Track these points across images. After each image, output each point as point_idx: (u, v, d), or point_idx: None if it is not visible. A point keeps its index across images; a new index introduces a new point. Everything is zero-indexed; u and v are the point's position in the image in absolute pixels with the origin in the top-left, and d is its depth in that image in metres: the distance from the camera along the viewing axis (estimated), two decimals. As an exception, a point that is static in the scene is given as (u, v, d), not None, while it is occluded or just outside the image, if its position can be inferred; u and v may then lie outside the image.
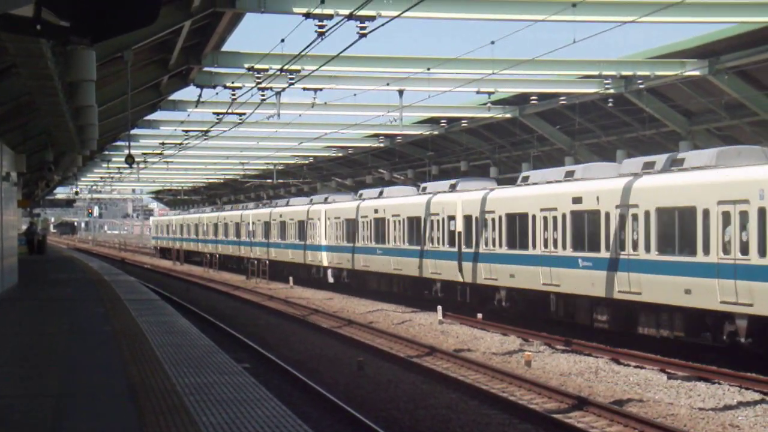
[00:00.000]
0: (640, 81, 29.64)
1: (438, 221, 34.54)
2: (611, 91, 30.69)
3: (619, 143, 37.35)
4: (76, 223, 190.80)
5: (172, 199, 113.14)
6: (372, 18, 18.65)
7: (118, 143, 45.88)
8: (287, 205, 55.76)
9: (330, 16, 18.86)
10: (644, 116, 33.43)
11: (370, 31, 18.70)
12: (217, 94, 30.58)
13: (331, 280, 45.42)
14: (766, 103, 29.27)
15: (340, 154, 55.47)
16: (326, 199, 49.17)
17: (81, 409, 10.19)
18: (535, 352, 23.28)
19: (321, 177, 67.70)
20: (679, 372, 20.01)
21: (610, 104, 32.91)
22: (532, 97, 34.29)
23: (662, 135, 35.14)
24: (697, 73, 28.39)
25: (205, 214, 75.29)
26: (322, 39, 18.91)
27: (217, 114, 34.22)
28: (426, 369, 20.71)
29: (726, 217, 20.58)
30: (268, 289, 45.88)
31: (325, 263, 45.78)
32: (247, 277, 55.54)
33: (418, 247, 35.74)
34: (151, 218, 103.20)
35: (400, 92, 30.78)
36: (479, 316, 29.90)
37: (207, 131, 39.67)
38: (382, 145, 49.75)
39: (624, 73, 29.36)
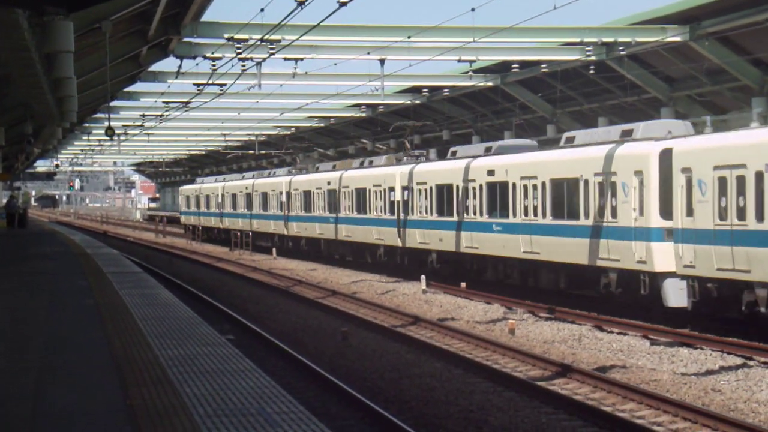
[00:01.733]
0: (621, 48, 29.63)
1: None
2: (592, 58, 30.68)
3: (601, 110, 37.38)
4: (57, 196, 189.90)
5: (154, 171, 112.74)
6: (352, -14, 18.52)
7: (98, 115, 45.65)
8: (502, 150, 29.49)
9: (310, -15, 18.72)
10: (626, 83, 33.45)
11: (350, 0, 18.58)
12: (197, 65, 30.47)
13: (679, 302, 21.17)
14: (747, 69, 29.30)
15: (321, 125, 55.33)
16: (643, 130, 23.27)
17: (63, 382, 10.15)
18: (519, 320, 23.36)
19: (303, 148, 67.54)
20: (662, 338, 20.11)
21: (591, 71, 32.91)
22: (513, 65, 34.26)
23: (644, 101, 35.19)
24: (678, 39, 28.39)
25: (301, 177, 47.40)
26: (301, 8, 18.79)
27: (198, 85, 34.06)
28: (410, 338, 20.75)
29: None
30: (252, 261, 45.84)
31: (667, 266, 21.33)
32: (230, 248, 55.47)
33: None
34: (182, 187, 74.49)
35: (381, 61, 30.72)
36: (463, 285, 29.95)
37: (188, 102, 39.50)
38: (363, 114, 49.64)
39: (605, 39, 29.35)
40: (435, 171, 32.43)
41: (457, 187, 30.58)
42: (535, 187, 26.21)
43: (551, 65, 33.43)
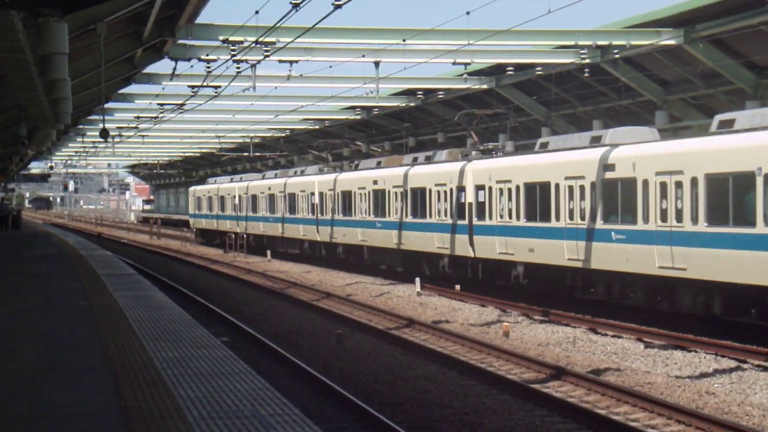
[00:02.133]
0: (615, 51, 29.68)
1: None
2: (587, 61, 30.72)
3: (596, 113, 37.43)
4: (51, 198, 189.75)
5: (149, 173, 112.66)
6: (347, -11, 18.53)
7: (93, 117, 45.61)
8: None
9: (305, -13, 18.74)
10: (620, 86, 33.49)
11: (345, 2, 18.59)
12: (192, 66, 30.43)
13: None
14: (741, 72, 29.35)
15: (316, 127, 55.35)
16: None
17: (58, 383, 10.13)
18: (513, 322, 23.37)
19: (298, 150, 67.56)
20: (656, 341, 20.13)
21: (586, 74, 32.95)
22: (508, 68, 34.28)
23: (638, 105, 35.24)
24: (672, 42, 28.45)
25: (337, 175, 40.96)
26: (296, 10, 18.81)
27: (193, 87, 34.04)
28: (405, 341, 20.75)
29: None
30: (246, 263, 45.82)
31: None
32: (225, 251, 55.44)
33: None
34: (193, 187, 67.35)
35: (376, 64, 30.72)
36: (457, 287, 29.94)
37: (182, 104, 39.49)
38: (358, 117, 49.67)
39: (599, 42, 29.38)
40: (522, 167, 27.15)
41: (557, 185, 25.39)
42: (678, 184, 21.11)
43: (546, 68, 33.46)
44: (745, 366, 17.25)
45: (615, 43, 29.13)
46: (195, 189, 66.44)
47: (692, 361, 17.79)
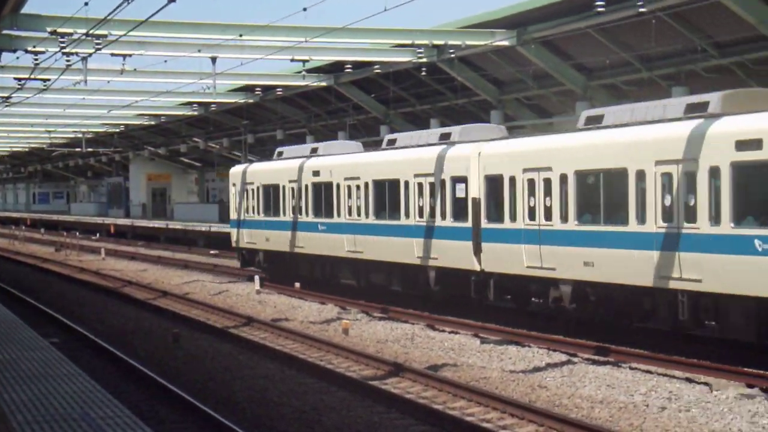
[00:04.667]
0: (451, 50, 30.10)
1: None
2: (424, 60, 31.05)
3: (433, 111, 37.94)
4: None
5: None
6: (182, -19, 18.17)
7: None
8: None
9: (138, -21, 18.27)
10: (456, 85, 34.01)
11: (181, -5, 18.23)
12: (18, 58, 29.30)
13: None
14: (571, 73, 30.24)
15: (152, 123, 54.28)
16: None
17: None
18: (353, 320, 23.42)
19: (133, 146, 66.10)
20: (492, 336, 20.52)
21: (423, 73, 33.32)
22: (346, 66, 34.35)
23: (474, 104, 35.88)
24: (506, 43, 29.07)
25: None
26: (128, 3, 18.32)
27: (19, 80, 32.80)
28: (243, 339, 20.54)
29: None
30: (79, 262, 44.51)
31: None
32: (56, 249, 53.71)
33: None
34: (237, 168, 34.83)
35: (213, 59, 30.26)
36: (297, 285, 29.84)
37: (8, 98, 38.02)
38: (195, 113, 48.96)
39: (436, 42, 29.74)
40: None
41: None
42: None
43: (383, 66, 33.69)
44: (575, 360, 17.77)
45: (451, 42, 29.53)
46: (247, 170, 33.90)
47: (526, 356, 18.21)
